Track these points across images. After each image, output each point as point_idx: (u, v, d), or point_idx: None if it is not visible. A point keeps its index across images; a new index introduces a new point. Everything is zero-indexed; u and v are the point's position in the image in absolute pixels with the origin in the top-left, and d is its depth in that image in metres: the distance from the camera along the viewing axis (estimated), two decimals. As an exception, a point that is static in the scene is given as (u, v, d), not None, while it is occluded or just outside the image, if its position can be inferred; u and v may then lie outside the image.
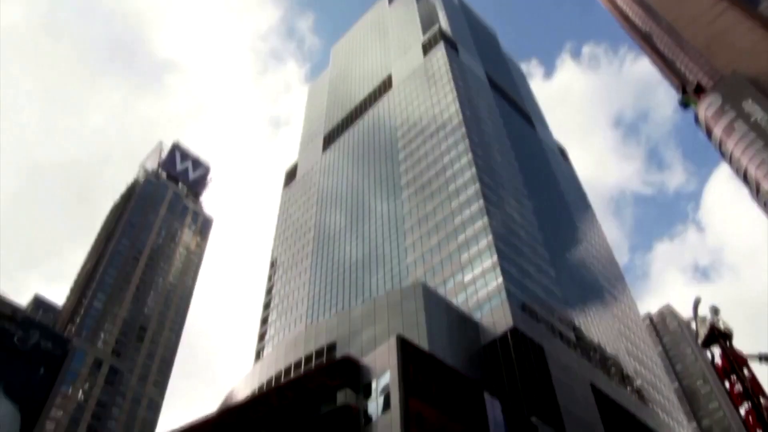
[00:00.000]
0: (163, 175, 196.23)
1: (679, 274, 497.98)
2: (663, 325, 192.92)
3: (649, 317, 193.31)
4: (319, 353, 68.76)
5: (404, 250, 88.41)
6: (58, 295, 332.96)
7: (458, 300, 73.33)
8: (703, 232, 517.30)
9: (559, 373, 66.83)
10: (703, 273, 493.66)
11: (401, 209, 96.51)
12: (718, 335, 71.42)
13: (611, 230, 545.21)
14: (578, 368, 73.60)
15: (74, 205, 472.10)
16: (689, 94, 79.61)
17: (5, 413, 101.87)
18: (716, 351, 71.06)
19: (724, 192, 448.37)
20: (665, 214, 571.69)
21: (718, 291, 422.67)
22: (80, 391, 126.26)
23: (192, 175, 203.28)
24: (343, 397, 46.70)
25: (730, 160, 71.34)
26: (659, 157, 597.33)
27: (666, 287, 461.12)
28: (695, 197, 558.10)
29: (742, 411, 64.54)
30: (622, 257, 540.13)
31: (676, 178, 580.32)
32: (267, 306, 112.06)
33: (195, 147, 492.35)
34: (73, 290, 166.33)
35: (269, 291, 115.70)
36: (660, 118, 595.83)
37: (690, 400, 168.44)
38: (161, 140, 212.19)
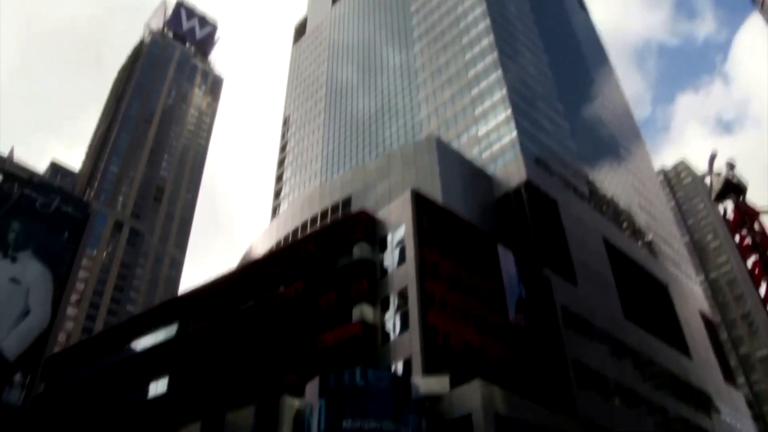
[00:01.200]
0: (169, 34, 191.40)
1: (700, 126, 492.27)
2: (677, 180, 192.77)
3: (663, 172, 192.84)
4: (334, 208, 69.49)
5: (417, 104, 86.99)
6: (76, 159, 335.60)
7: (472, 153, 72.90)
8: (730, 84, 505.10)
9: (571, 226, 67.47)
10: (725, 126, 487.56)
11: (414, 62, 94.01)
12: (732, 189, 71.37)
13: (633, 82, 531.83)
14: (591, 221, 74.21)
15: (83, 68, 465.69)
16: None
17: (38, 274, 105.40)
18: (729, 205, 71.29)
19: (755, 42, 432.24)
20: (691, 65, 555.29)
21: (739, 144, 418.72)
22: (104, 253, 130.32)
23: (199, 34, 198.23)
24: (359, 250, 47.45)
25: (762, 6, 67.94)
26: (689, 5, 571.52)
27: (686, 140, 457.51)
28: (724, 48, 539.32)
29: (750, 263, 65.64)
30: (643, 110, 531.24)
31: (705, 27, 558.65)
32: (281, 163, 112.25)
33: (201, 3, 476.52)
34: (88, 155, 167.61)
35: (283, 148, 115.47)
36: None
37: (699, 253, 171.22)
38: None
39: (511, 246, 54.51)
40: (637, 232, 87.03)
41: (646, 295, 76.22)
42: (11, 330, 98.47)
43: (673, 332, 75.66)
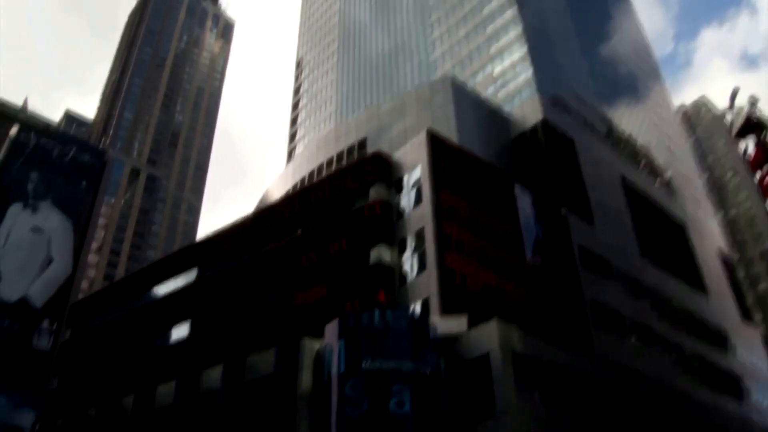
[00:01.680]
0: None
1: (724, 62, 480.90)
2: (697, 117, 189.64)
3: (683, 109, 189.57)
4: (350, 150, 69.21)
5: (432, 42, 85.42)
6: (90, 109, 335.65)
7: (487, 93, 71.91)
8: (757, 16, 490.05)
9: (588, 166, 66.83)
10: (750, 61, 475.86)
11: (427, 0, 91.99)
12: (754, 126, 70.02)
13: (654, 18, 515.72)
14: (608, 161, 73.46)
15: (92, 15, 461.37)
16: None
17: (59, 222, 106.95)
18: (750, 142, 70.08)
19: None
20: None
21: (764, 80, 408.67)
22: (122, 201, 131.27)
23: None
24: (375, 192, 47.29)
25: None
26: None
27: (709, 76, 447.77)
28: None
29: (770, 202, 64.84)
30: (665, 46, 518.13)
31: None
32: (296, 106, 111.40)
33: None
34: (102, 103, 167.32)
35: (297, 91, 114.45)
36: None
37: (718, 191, 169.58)
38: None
39: (527, 186, 54.20)
40: (655, 171, 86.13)
41: (664, 234, 75.89)
42: (36, 278, 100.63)
43: (690, 270, 75.55)
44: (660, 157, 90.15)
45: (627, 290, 59.93)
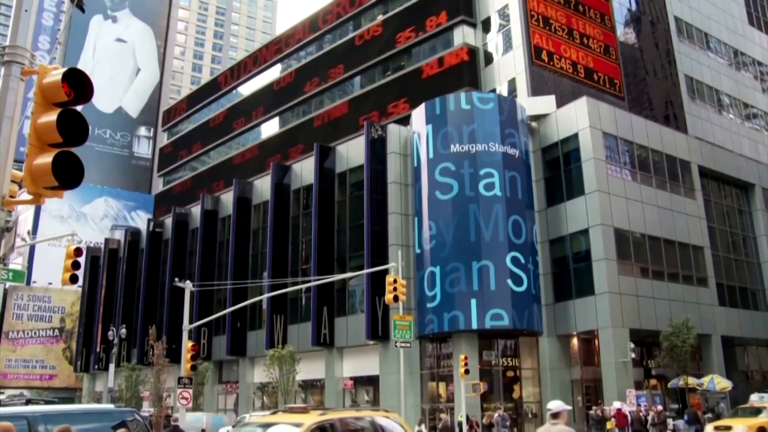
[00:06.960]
0: None
1: None
2: None
3: None
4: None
5: None
6: None
7: None
8: None
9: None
10: None
11: None
12: None
13: None
14: None
15: None
16: None
17: (140, 30, 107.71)
18: None
19: None
20: None
21: None
22: (197, 2, 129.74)
23: None
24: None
25: None
26: None
27: None
28: None
29: None
30: None
31: None
32: None
33: None
34: None
35: None
36: None
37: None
38: None
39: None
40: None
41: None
42: (128, 89, 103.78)
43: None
44: None
45: (727, 62, 56.29)
